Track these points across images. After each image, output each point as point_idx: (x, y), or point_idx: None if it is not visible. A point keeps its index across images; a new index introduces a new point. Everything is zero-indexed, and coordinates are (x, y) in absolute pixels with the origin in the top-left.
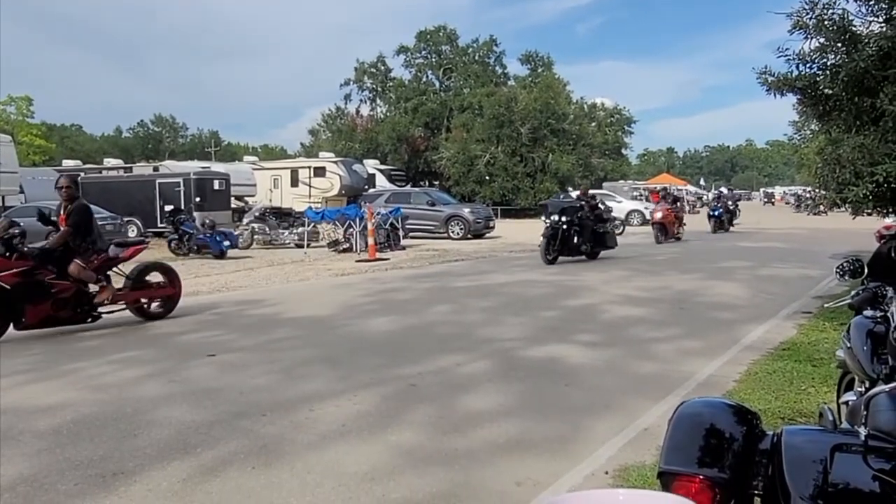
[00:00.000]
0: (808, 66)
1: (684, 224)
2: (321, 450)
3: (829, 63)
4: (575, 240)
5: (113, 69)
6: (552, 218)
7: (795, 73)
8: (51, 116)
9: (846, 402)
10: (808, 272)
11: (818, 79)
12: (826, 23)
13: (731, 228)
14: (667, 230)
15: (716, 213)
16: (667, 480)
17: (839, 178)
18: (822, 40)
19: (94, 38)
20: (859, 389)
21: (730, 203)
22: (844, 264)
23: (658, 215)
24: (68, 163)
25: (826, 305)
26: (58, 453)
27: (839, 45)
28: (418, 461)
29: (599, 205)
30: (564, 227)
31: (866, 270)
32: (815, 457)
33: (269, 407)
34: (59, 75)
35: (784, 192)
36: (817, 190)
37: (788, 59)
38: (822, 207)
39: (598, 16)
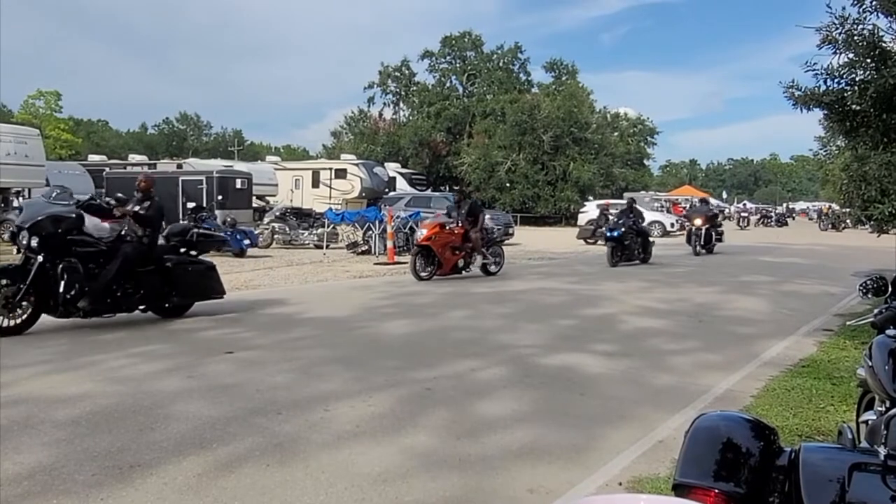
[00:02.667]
0: (835, 81)
1: (484, 251)
2: (335, 450)
3: (857, 79)
4: (64, 287)
5: (140, 66)
6: (20, 240)
7: (823, 87)
8: (78, 111)
9: (866, 422)
10: (829, 289)
11: (846, 94)
12: (855, 38)
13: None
14: (438, 261)
15: (614, 234)
16: (682, 493)
17: (864, 195)
18: (850, 55)
19: (122, 35)
20: (879, 409)
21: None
22: (868, 282)
23: (421, 234)
24: (94, 157)
25: (848, 323)
26: (76, 444)
27: (868, 60)
28: (431, 465)
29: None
30: (45, 261)
31: (890, 289)
32: (833, 475)
33: (284, 405)
34: (88, 71)
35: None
36: (832, 206)
37: (816, 74)
38: (848, 223)
39: (623, 25)
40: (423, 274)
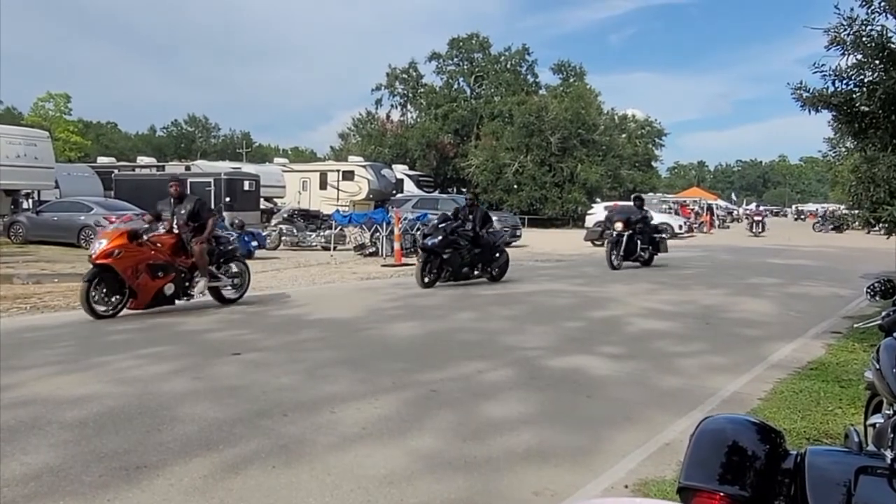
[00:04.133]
0: (844, 82)
1: (213, 269)
2: (341, 451)
3: (865, 80)
4: None
5: (149, 69)
6: None
7: (831, 89)
8: (88, 114)
9: (873, 425)
10: (838, 291)
11: (854, 96)
12: (864, 39)
13: (477, 277)
14: (131, 289)
15: (428, 243)
16: (687, 496)
17: (873, 196)
18: (859, 57)
19: (131, 38)
20: (887, 412)
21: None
22: (876, 285)
23: (99, 246)
24: (103, 159)
25: (856, 326)
26: (83, 445)
27: (877, 62)
28: (437, 467)
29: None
30: None
31: None
32: (839, 479)
33: (290, 407)
34: (98, 73)
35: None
36: (833, 208)
37: (824, 76)
38: (857, 224)
39: (631, 27)
40: (100, 309)
